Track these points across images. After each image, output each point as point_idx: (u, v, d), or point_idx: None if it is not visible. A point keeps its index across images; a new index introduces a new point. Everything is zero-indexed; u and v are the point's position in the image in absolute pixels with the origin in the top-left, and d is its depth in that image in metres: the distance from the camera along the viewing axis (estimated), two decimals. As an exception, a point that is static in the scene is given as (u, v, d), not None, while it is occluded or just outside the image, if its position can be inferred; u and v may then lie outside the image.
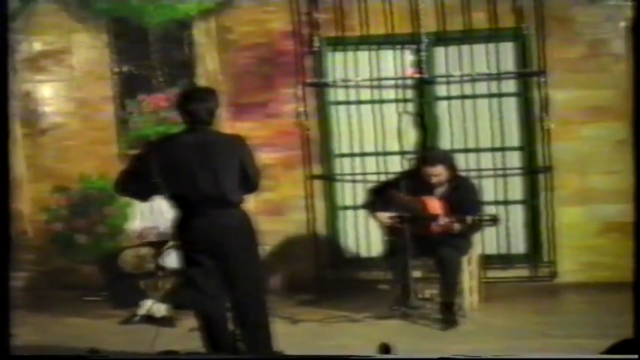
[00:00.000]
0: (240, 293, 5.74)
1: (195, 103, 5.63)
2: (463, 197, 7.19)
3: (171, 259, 7.40)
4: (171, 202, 5.74)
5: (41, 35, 8.82)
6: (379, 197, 7.43)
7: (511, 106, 8.35)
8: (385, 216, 7.30)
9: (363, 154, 8.54)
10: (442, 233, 7.11)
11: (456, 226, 7.07)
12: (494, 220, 7.09)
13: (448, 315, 7.02)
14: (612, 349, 4.55)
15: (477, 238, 7.52)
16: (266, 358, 5.88)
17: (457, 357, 5.43)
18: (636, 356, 4.35)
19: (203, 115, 5.61)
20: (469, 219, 7.03)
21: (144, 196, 6.02)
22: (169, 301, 7.38)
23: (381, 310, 7.22)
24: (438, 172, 7.21)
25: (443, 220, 7.08)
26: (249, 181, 5.69)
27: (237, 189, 5.64)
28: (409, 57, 8.46)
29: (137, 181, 5.75)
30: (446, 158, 7.39)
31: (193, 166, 5.54)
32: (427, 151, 7.87)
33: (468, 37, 8.25)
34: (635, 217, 5.00)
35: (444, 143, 8.31)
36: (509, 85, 8.35)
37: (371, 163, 8.51)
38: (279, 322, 6.48)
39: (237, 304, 5.79)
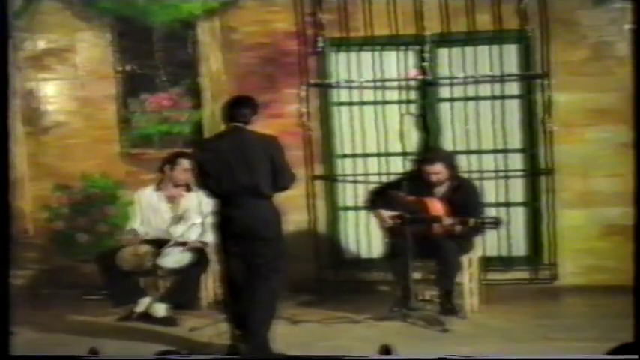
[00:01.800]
0: (261, 281, 6.18)
1: (235, 108, 6.37)
2: (464, 198, 7.20)
3: (170, 258, 7.41)
4: (211, 193, 6.35)
5: (45, 33, 8.84)
6: (381, 197, 7.43)
7: (514, 108, 8.35)
8: (387, 215, 7.29)
9: (365, 155, 8.54)
10: (443, 234, 7.11)
11: (458, 228, 7.06)
12: (496, 223, 7.08)
13: (447, 304, 7.02)
14: (613, 353, 4.54)
15: (477, 239, 7.52)
16: (265, 358, 5.93)
17: (456, 357, 5.43)
18: (636, 356, 4.35)
19: (241, 117, 6.30)
20: (471, 221, 7.03)
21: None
22: (168, 300, 7.38)
23: (382, 312, 7.21)
24: (438, 171, 7.22)
25: (445, 222, 7.07)
26: (279, 179, 6.25)
27: (269, 183, 6.22)
28: (412, 58, 8.46)
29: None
30: (446, 157, 7.40)
31: (231, 160, 6.19)
32: (428, 151, 7.87)
33: (471, 38, 8.25)
34: (636, 220, 4.99)
35: (446, 145, 8.31)
36: (513, 88, 8.35)
37: (373, 164, 8.51)
38: (280, 322, 6.47)
39: (253, 286, 6.19)
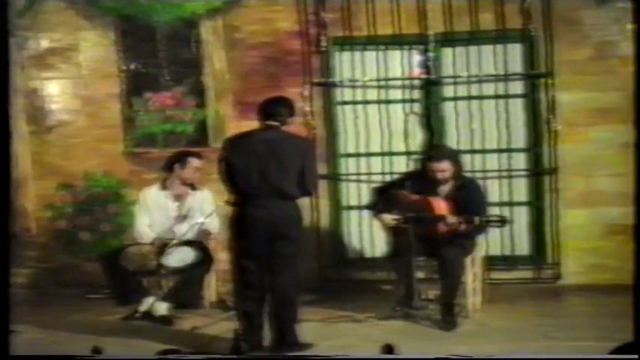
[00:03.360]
0: (278, 274, 6.25)
1: (271, 106, 6.39)
2: (468, 198, 7.17)
3: (174, 258, 7.41)
4: (236, 190, 6.30)
5: (49, 32, 8.85)
6: (383, 198, 7.41)
7: (518, 107, 8.35)
8: (389, 218, 7.28)
9: (368, 155, 8.54)
10: (447, 234, 7.10)
11: (463, 227, 7.04)
12: (502, 222, 7.04)
13: (448, 316, 7.00)
14: (615, 353, 4.53)
15: (481, 239, 7.51)
16: (264, 358, 6.01)
17: (458, 357, 5.42)
18: (636, 356, 4.34)
19: (276, 117, 6.33)
20: (477, 219, 7.01)
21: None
22: (171, 300, 7.38)
23: (384, 311, 7.20)
24: (444, 168, 7.20)
25: (450, 221, 7.05)
26: (305, 184, 6.29)
27: (297, 185, 6.25)
28: (416, 57, 8.46)
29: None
30: (452, 154, 7.39)
31: (262, 158, 6.21)
32: (434, 148, 7.87)
33: (475, 38, 8.25)
34: (636, 220, 4.98)
35: (450, 144, 8.29)
36: (517, 87, 8.35)
37: (376, 164, 8.51)
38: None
39: (273, 286, 6.27)
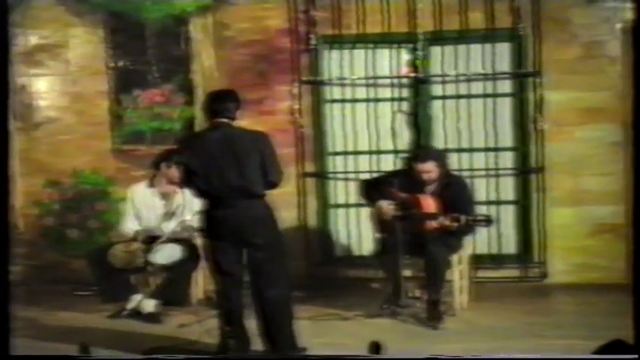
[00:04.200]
0: (265, 283, 6.06)
1: (219, 103, 6.13)
2: (455, 195, 7.20)
3: (161, 255, 7.41)
4: (199, 193, 6.15)
5: (37, 29, 8.82)
6: (375, 189, 7.42)
7: (506, 106, 8.36)
8: (386, 204, 7.27)
9: (356, 153, 8.55)
10: (435, 231, 7.11)
11: (451, 225, 7.05)
12: (487, 221, 7.07)
13: (434, 312, 7.02)
14: (603, 350, 4.54)
15: (468, 238, 7.52)
16: (264, 358, 6.00)
17: (449, 357, 5.42)
18: (636, 356, 4.36)
19: (225, 113, 6.10)
20: (463, 219, 7.02)
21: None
22: (159, 297, 7.38)
23: (372, 309, 7.22)
24: (429, 169, 7.22)
25: (438, 219, 7.07)
26: (269, 177, 6.06)
27: (260, 181, 6.04)
28: (405, 56, 8.47)
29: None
30: (438, 156, 7.40)
31: (219, 158, 5.99)
32: (419, 149, 7.89)
33: (464, 36, 8.26)
34: (635, 219, 4.99)
35: (438, 143, 8.32)
36: (505, 86, 8.36)
37: (364, 162, 8.51)
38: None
39: (260, 295, 6.08)
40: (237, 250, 6.08)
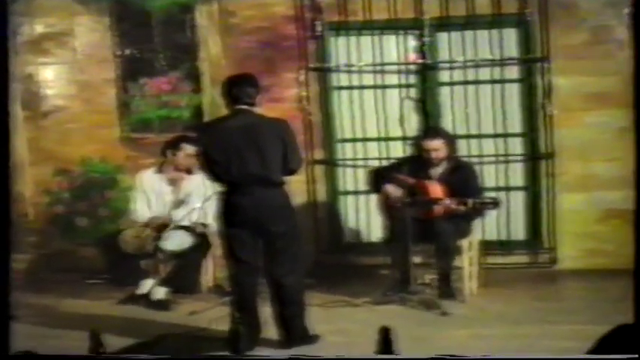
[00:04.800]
0: (281, 270, 6.09)
1: (238, 88, 6.06)
2: (462, 180, 7.22)
3: (171, 242, 7.42)
4: (218, 180, 6.15)
5: (43, 17, 8.80)
6: (382, 177, 7.43)
7: (514, 92, 8.34)
8: (393, 188, 7.26)
9: (365, 140, 8.53)
10: (443, 216, 7.11)
11: (458, 209, 7.05)
12: (495, 204, 7.07)
13: (445, 287, 7.03)
14: (609, 336, 4.53)
15: (477, 223, 7.52)
16: (262, 357, 6.00)
17: (454, 357, 5.40)
18: (636, 356, 4.35)
19: (246, 98, 6.03)
20: (470, 202, 7.02)
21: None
22: (169, 284, 7.39)
23: (381, 295, 7.22)
24: (437, 146, 7.24)
25: (445, 203, 7.07)
26: (289, 163, 6.07)
27: (280, 169, 6.04)
28: (412, 42, 8.44)
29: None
30: (446, 134, 7.42)
31: (240, 146, 5.95)
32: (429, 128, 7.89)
33: (471, 22, 8.22)
34: (636, 204, 4.98)
35: (446, 129, 8.29)
36: (512, 72, 8.33)
37: (373, 149, 8.50)
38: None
39: (277, 283, 6.11)
40: (254, 237, 6.08)
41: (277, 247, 6.09)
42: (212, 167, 6.09)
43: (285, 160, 6.04)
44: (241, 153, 5.97)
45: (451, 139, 7.40)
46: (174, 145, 7.65)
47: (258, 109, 6.15)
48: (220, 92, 6.33)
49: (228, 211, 6.09)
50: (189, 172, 7.67)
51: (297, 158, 6.19)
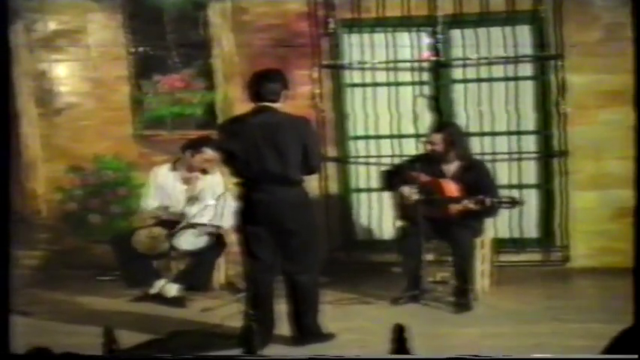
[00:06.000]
0: (298, 268, 6.09)
1: (262, 85, 5.99)
2: (476, 179, 7.18)
3: (184, 240, 7.42)
4: (238, 176, 6.12)
5: (57, 15, 8.82)
6: (396, 177, 7.41)
7: (527, 89, 8.32)
8: (408, 190, 7.24)
9: (378, 137, 8.53)
10: (458, 215, 7.09)
11: (475, 207, 7.02)
12: (513, 203, 7.04)
13: (463, 300, 6.97)
14: (617, 338, 4.50)
15: (489, 221, 7.50)
16: (263, 358, 5.94)
17: (467, 357, 5.38)
18: (636, 356, 4.32)
19: (269, 96, 5.97)
20: (488, 200, 6.99)
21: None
22: (182, 282, 7.40)
23: (394, 293, 7.21)
24: (435, 140, 7.22)
25: (462, 202, 7.04)
26: (309, 163, 6.04)
27: (300, 168, 6.01)
28: (425, 39, 8.43)
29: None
30: (452, 130, 7.38)
31: (259, 144, 5.92)
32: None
33: (484, 19, 8.21)
34: (637, 203, 4.95)
35: (458, 125, 8.26)
36: (526, 69, 8.31)
37: (386, 146, 8.50)
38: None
39: (292, 281, 6.12)
40: (271, 235, 6.06)
41: (294, 245, 6.08)
42: (233, 163, 6.08)
43: (305, 159, 6.01)
44: (261, 150, 5.93)
45: (458, 136, 7.36)
46: (195, 146, 7.59)
47: (281, 106, 6.07)
48: (245, 86, 6.27)
49: (247, 207, 6.08)
50: (204, 172, 7.65)
51: (317, 157, 6.19)
